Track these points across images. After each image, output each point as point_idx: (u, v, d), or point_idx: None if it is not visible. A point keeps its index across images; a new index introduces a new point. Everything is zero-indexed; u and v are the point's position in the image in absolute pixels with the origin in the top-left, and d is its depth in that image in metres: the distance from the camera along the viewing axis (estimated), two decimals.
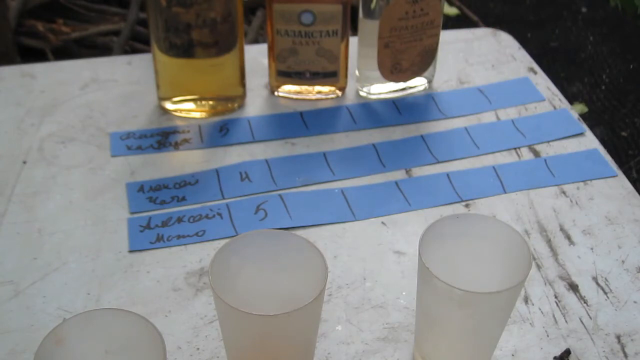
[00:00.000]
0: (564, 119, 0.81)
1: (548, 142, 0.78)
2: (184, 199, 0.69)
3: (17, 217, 0.67)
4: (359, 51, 0.81)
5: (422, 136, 0.78)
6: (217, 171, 0.73)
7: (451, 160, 0.75)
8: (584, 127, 0.80)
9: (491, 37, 0.95)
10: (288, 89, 0.83)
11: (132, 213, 0.68)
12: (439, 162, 0.75)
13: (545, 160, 0.75)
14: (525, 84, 0.87)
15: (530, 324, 0.59)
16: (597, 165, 0.74)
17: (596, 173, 0.74)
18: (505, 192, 0.71)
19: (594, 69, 2.13)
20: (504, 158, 0.76)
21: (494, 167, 0.74)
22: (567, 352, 0.56)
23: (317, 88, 0.82)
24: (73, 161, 0.74)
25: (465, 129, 0.79)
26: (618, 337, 0.58)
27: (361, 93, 0.84)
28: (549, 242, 0.66)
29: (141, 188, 0.71)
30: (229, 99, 0.81)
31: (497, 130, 0.79)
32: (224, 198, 0.70)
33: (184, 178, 0.72)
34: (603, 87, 2.06)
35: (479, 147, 0.77)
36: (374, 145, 0.77)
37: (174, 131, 0.78)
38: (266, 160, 0.74)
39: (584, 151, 0.76)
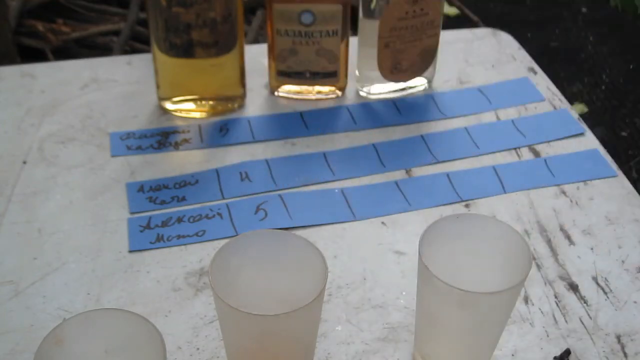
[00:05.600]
0: (564, 119, 0.81)
1: (548, 142, 0.78)
2: (184, 199, 0.69)
3: (17, 217, 0.67)
4: (359, 51, 0.81)
5: (422, 136, 0.78)
6: (217, 171, 0.73)
7: (451, 160, 0.75)
8: (584, 127, 0.80)
9: (491, 37, 0.95)
10: (288, 89, 0.83)
11: (132, 213, 0.68)
12: (439, 162, 0.75)
13: (545, 160, 0.75)
14: (525, 84, 0.87)
15: (530, 324, 0.59)
16: (597, 165, 0.74)
17: (596, 173, 0.73)
18: (505, 192, 0.71)
19: (594, 69, 2.13)
20: (504, 158, 0.76)
21: (494, 167, 0.74)
22: (567, 352, 0.56)
23: (317, 88, 0.82)
24: (73, 161, 0.74)
25: (465, 129, 0.79)
26: (618, 337, 0.58)
27: (361, 93, 0.84)
28: (549, 242, 0.66)
29: (141, 188, 0.71)
30: (229, 99, 0.81)
31: (497, 130, 0.79)
32: (224, 198, 0.70)
33: (184, 178, 0.72)
34: (603, 87, 2.06)
35: (479, 147, 0.77)
36: (374, 145, 0.77)
37: (174, 131, 0.78)
38: (266, 160, 0.74)
39: (584, 151, 0.76)
